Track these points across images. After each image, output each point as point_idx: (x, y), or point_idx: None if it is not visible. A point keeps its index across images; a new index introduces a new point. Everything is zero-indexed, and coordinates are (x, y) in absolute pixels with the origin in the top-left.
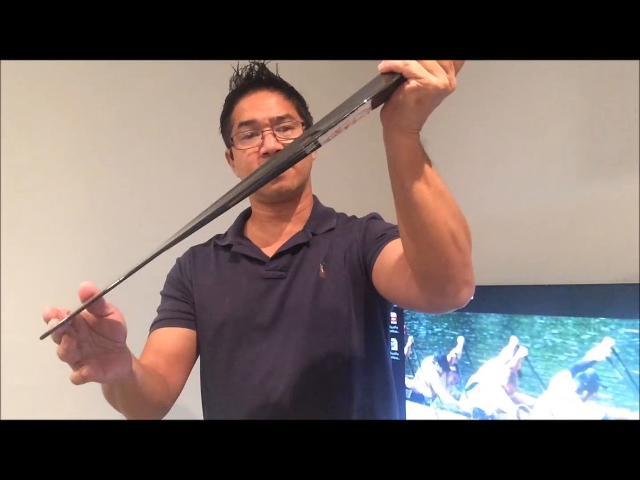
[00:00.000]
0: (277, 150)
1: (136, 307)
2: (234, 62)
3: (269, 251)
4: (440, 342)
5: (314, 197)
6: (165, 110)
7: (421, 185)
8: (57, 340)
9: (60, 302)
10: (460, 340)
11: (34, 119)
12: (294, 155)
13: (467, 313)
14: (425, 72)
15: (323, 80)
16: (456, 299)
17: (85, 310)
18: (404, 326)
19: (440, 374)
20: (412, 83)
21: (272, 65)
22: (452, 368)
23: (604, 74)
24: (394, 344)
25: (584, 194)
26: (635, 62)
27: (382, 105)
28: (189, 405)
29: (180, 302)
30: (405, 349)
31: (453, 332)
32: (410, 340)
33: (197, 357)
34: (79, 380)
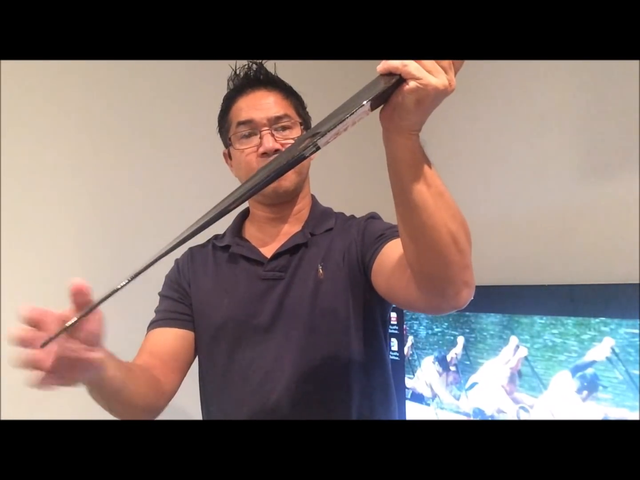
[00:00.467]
0: (276, 150)
1: (135, 307)
2: (232, 62)
3: (268, 252)
4: (440, 342)
5: (313, 197)
6: (165, 110)
7: (421, 186)
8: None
9: (60, 303)
10: (460, 340)
11: (33, 119)
12: (294, 159)
13: (467, 313)
14: (425, 72)
15: (321, 80)
16: (456, 300)
17: (63, 312)
18: (404, 326)
19: (440, 374)
20: (412, 84)
21: (270, 65)
22: (452, 368)
23: (604, 74)
24: (394, 344)
25: (584, 194)
26: (635, 62)
27: (381, 106)
28: (188, 406)
29: (178, 303)
30: (405, 349)
31: (453, 332)
32: (410, 340)
33: (194, 358)
34: (37, 384)
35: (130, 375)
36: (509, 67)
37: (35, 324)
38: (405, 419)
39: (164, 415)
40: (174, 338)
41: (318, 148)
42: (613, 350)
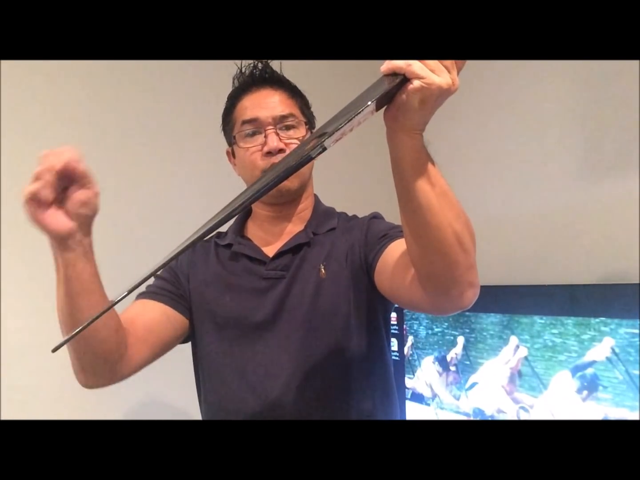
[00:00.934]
0: (280, 149)
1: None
2: (231, 62)
3: (270, 251)
4: (440, 342)
5: (315, 197)
6: (164, 110)
7: (425, 186)
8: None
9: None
10: (460, 340)
11: (32, 120)
12: (301, 159)
13: (467, 313)
14: (428, 72)
15: (326, 80)
16: (460, 301)
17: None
18: (404, 326)
19: (440, 374)
20: (416, 83)
21: (275, 64)
22: (452, 368)
23: (603, 74)
24: (394, 344)
25: (584, 194)
26: (634, 62)
27: (385, 106)
28: (188, 406)
29: (169, 283)
30: (405, 349)
31: (453, 332)
32: (410, 340)
33: (173, 340)
34: (30, 195)
35: (99, 292)
36: (509, 67)
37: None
38: (405, 419)
39: (163, 415)
40: (156, 311)
41: (325, 149)
42: (613, 350)
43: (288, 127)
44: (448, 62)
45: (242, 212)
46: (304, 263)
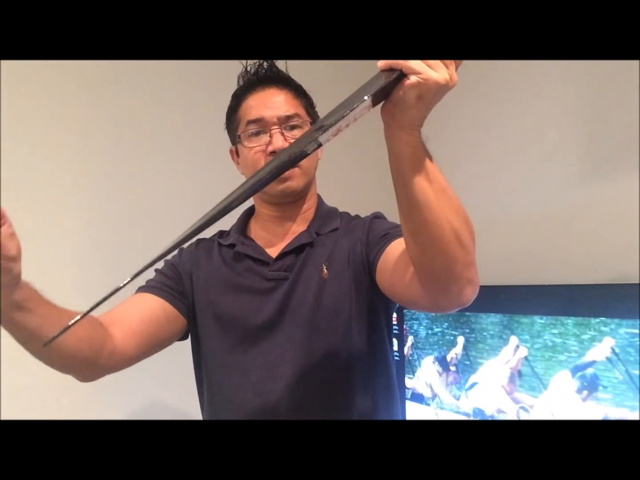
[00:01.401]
0: None
1: None
2: (236, 62)
3: (273, 251)
4: (440, 342)
5: (319, 197)
6: (167, 109)
7: (423, 182)
8: None
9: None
10: (460, 340)
11: (31, 120)
12: (295, 155)
13: (467, 313)
14: (425, 67)
15: (330, 80)
16: (460, 298)
17: None
18: (404, 326)
19: (440, 374)
20: (412, 79)
21: (280, 64)
22: (452, 368)
23: (603, 74)
24: (394, 344)
25: (584, 194)
26: (635, 62)
27: (382, 102)
28: (188, 406)
29: (169, 278)
30: (405, 349)
31: (453, 332)
32: (410, 340)
33: (169, 336)
34: None
35: (64, 319)
36: (509, 67)
37: None
38: (405, 419)
39: (164, 415)
40: (154, 305)
41: (320, 144)
42: (613, 350)
43: (293, 127)
44: None
45: (238, 205)
46: (306, 264)
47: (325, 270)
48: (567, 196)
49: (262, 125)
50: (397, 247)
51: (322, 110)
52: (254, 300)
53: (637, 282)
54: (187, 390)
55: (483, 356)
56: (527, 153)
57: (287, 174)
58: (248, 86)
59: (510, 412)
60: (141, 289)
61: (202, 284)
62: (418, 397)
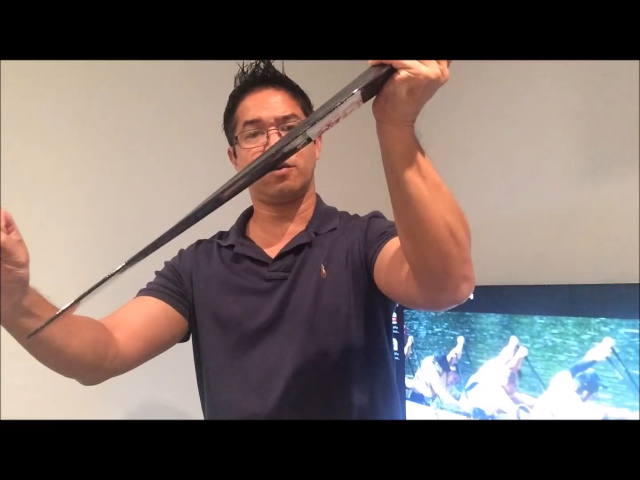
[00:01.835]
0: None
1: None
2: (230, 63)
3: (272, 252)
4: (440, 342)
5: (317, 197)
6: (165, 110)
7: (416, 178)
8: None
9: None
10: (460, 340)
11: (31, 120)
12: (284, 149)
13: (467, 313)
14: (416, 62)
15: (328, 80)
16: (456, 295)
17: None
18: (404, 326)
19: (440, 374)
20: (402, 73)
21: (277, 64)
22: (452, 368)
23: (604, 74)
24: (394, 344)
25: (584, 194)
26: (634, 62)
27: (373, 98)
28: (188, 406)
29: (169, 281)
30: (405, 349)
31: (453, 332)
32: (410, 340)
33: (170, 339)
34: None
35: (68, 324)
36: (509, 67)
37: None
38: (405, 419)
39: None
40: (155, 308)
41: (309, 139)
42: (613, 350)
43: (290, 128)
44: None
45: (227, 200)
46: (305, 264)
47: (323, 270)
48: (567, 196)
49: (259, 126)
50: (394, 245)
51: None
52: (254, 301)
53: (637, 282)
54: (186, 390)
55: (483, 356)
56: (527, 153)
57: (284, 173)
58: (245, 87)
59: (510, 412)
60: (142, 292)
61: (201, 285)
62: (418, 397)
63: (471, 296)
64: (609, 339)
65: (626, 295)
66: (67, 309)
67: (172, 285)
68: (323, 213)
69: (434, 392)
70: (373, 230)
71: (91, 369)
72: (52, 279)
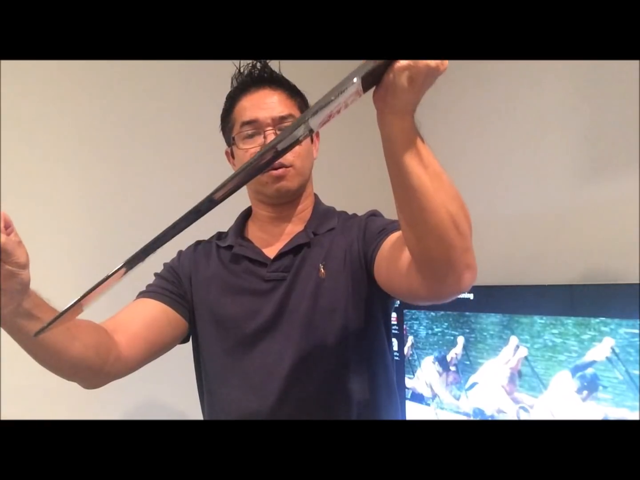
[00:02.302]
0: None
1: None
2: (229, 62)
3: (270, 252)
4: (440, 342)
5: (315, 197)
6: (162, 110)
7: (418, 167)
8: None
9: (58, 303)
10: (460, 340)
11: (30, 120)
12: (289, 142)
13: (467, 313)
14: None
15: (324, 80)
16: (459, 285)
17: None
18: (404, 326)
19: (440, 374)
20: (402, 61)
21: (274, 64)
22: (452, 368)
23: (604, 75)
24: (394, 344)
25: (584, 194)
26: (634, 63)
27: (374, 88)
28: (188, 406)
29: (169, 282)
30: (405, 349)
31: (453, 332)
32: (410, 340)
33: (171, 340)
34: None
35: (70, 327)
36: (509, 67)
37: None
38: (405, 419)
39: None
40: (156, 310)
41: (311, 130)
42: (613, 350)
43: None
44: None
45: (230, 195)
46: (304, 264)
47: (322, 269)
48: (567, 196)
49: (256, 127)
50: (393, 240)
51: None
52: (253, 302)
53: (637, 282)
54: (185, 390)
55: (483, 356)
56: (527, 153)
57: (281, 173)
58: (242, 88)
59: (510, 412)
60: (142, 294)
61: (201, 287)
62: (418, 397)
63: (471, 296)
64: (609, 339)
65: (626, 295)
66: (74, 304)
67: (171, 286)
68: (321, 213)
69: (434, 392)
70: (371, 228)
71: (93, 372)
72: (51, 281)
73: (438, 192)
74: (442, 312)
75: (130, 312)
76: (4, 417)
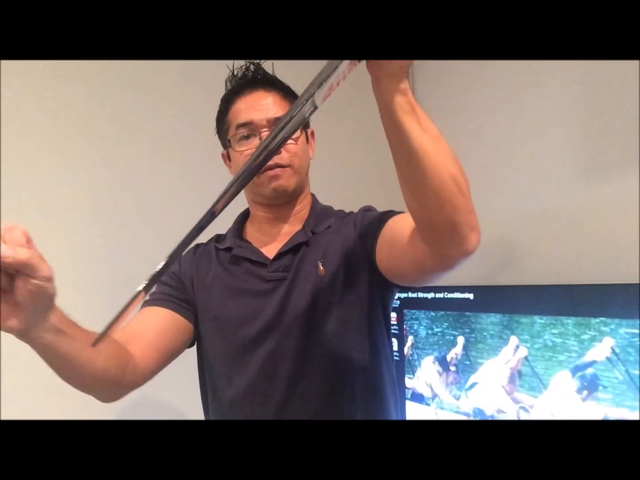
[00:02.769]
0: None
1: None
2: (228, 62)
3: (269, 252)
4: (440, 342)
5: (313, 196)
6: (162, 111)
7: (418, 130)
8: None
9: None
10: (460, 340)
11: (30, 120)
12: (296, 120)
13: (467, 313)
14: None
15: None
16: (465, 246)
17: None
18: (404, 326)
19: (440, 374)
20: None
21: (267, 65)
22: (452, 368)
23: (604, 75)
24: (394, 344)
25: (584, 194)
26: (634, 63)
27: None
28: (188, 406)
29: (172, 288)
30: (405, 349)
31: (453, 332)
32: (410, 340)
33: (181, 345)
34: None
35: (91, 340)
36: (509, 67)
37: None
38: (405, 419)
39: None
40: (164, 317)
41: (316, 107)
42: (613, 350)
43: None
44: None
45: (245, 185)
46: (303, 262)
47: (321, 267)
48: (567, 196)
49: (251, 129)
50: (392, 223)
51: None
52: (254, 303)
53: (637, 282)
54: (185, 390)
55: (483, 356)
56: (527, 153)
57: (278, 173)
58: (236, 90)
59: (510, 412)
60: (148, 303)
61: (203, 290)
62: (418, 397)
63: (471, 296)
64: (609, 339)
65: (626, 295)
66: (120, 314)
67: (176, 292)
68: (319, 212)
69: (434, 392)
70: (368, 220)
71: (114, 384)
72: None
73: (438, 153)
74: (442, 312)
75: (140, 322)
76: (4, 417)
